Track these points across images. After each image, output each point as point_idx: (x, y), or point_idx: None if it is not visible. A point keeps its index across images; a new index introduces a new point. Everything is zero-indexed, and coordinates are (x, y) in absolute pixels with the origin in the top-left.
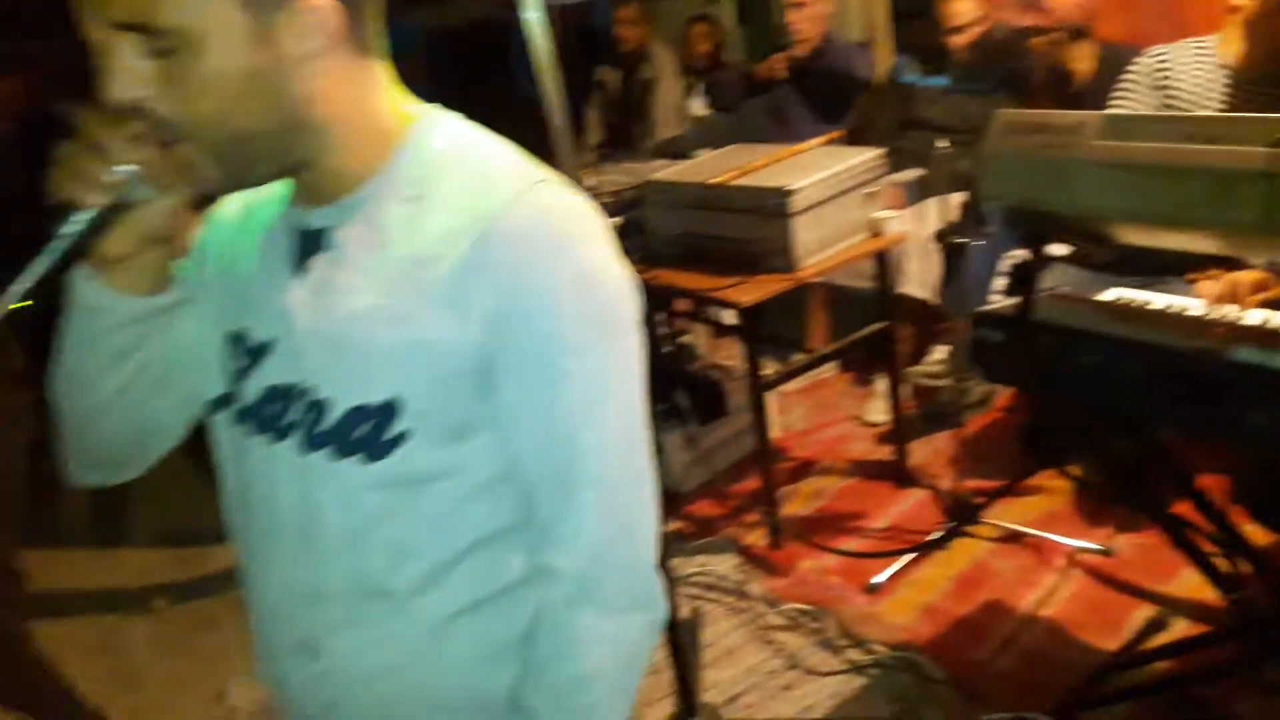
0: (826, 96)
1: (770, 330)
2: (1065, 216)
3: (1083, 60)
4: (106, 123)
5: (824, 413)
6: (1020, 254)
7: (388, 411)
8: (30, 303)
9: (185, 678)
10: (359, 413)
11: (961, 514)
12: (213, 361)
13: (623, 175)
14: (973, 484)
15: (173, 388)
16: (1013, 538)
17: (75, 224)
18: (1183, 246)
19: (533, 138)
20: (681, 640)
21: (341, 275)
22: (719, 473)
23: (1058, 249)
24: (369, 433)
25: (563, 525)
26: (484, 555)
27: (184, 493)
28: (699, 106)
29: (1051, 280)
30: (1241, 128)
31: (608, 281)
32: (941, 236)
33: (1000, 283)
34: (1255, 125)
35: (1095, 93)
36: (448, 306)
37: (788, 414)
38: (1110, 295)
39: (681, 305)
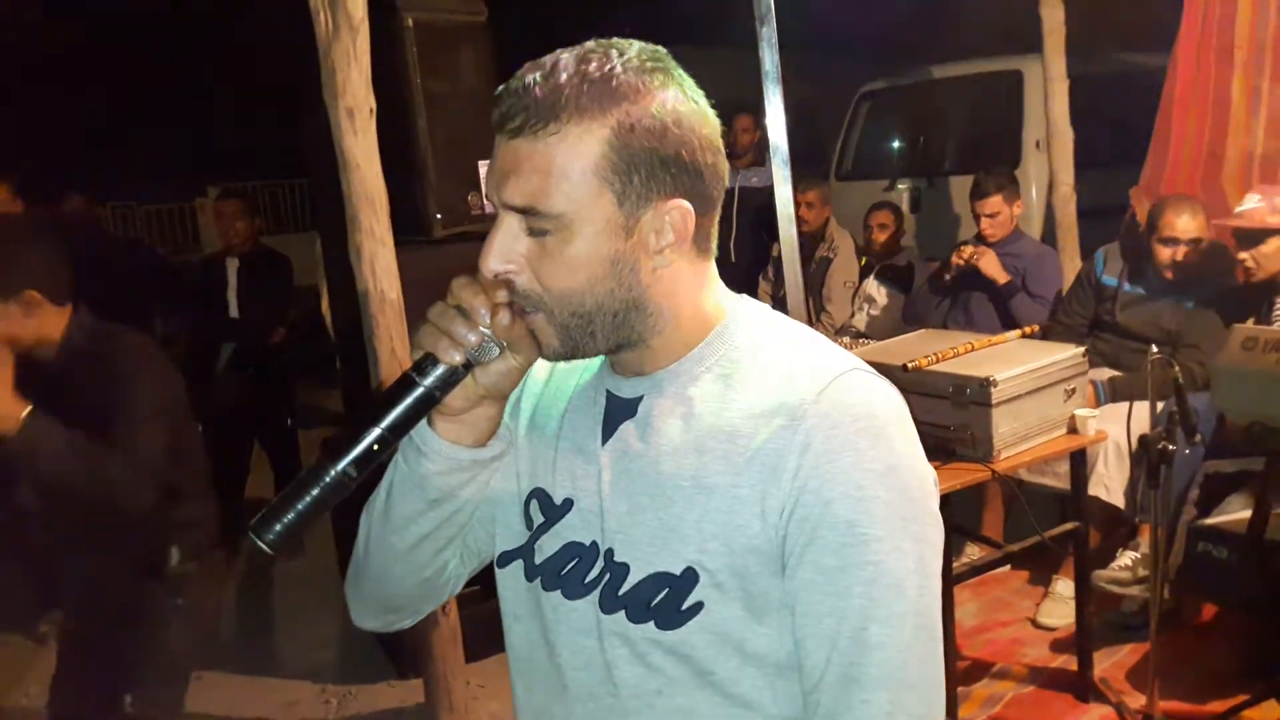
0: (1000, 299)
1: (947, 519)
2: None
3: None
4: (476, 289)
5: (996, 611)
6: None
7: (686, 580)
8: (380, 447)
9: None
10: (658, 579)
11: None
12: (507, 516)
13: None
14: (1167, 705)
15: (469, 538)
16: None
17: (433, 375)
18: None
19: None
20: None
21: (649, 443)
22: None
23: None
24: (666, 599)
25: None
26: None
27: None
28: (874, 288)
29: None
30: None
31: (914, 474)
32: (1145, 442)
33: (1195, 494)
34: None
35: None
36: (753, 483)
37: (958, 608)
38: None
39: None
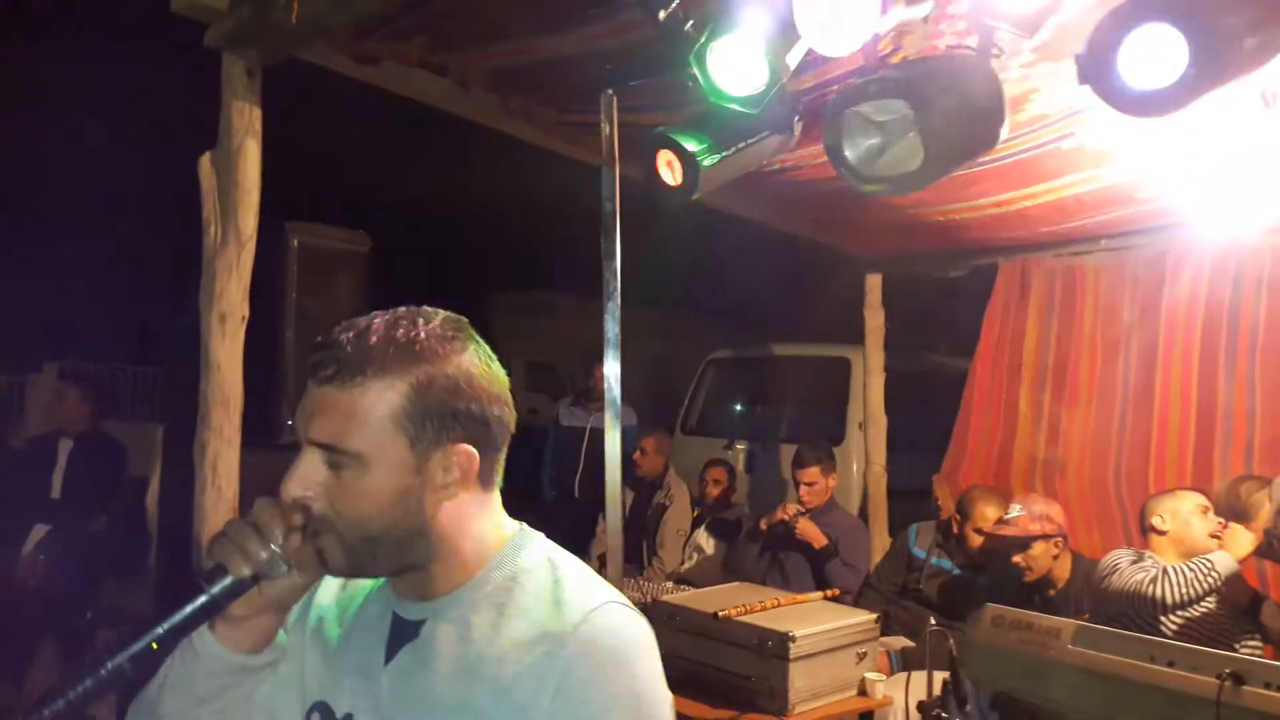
0: (816, 563)
1: None
2: (1043, 711)
3: (1062, 568)
4: (274, 511)
5: None
6: None
7: None
8: (159, 646)
9: None
10: None
11: None
12: None
13: (633, 590)
14: None
15: None
16: None
17: (220, 585)
18: None
19: (550, 535)
20: None
21: (427, 666)
22: None
23: None
24: None
25: None
26: None
27: None
28: (704, 538)
29: None
30: (1197, 658)
31: (652, 700)
32: (923, 709)
33: None
34: (1208, 657)
35: (1068, 598)
36: (517, 704)
37: None
38: None
39: None
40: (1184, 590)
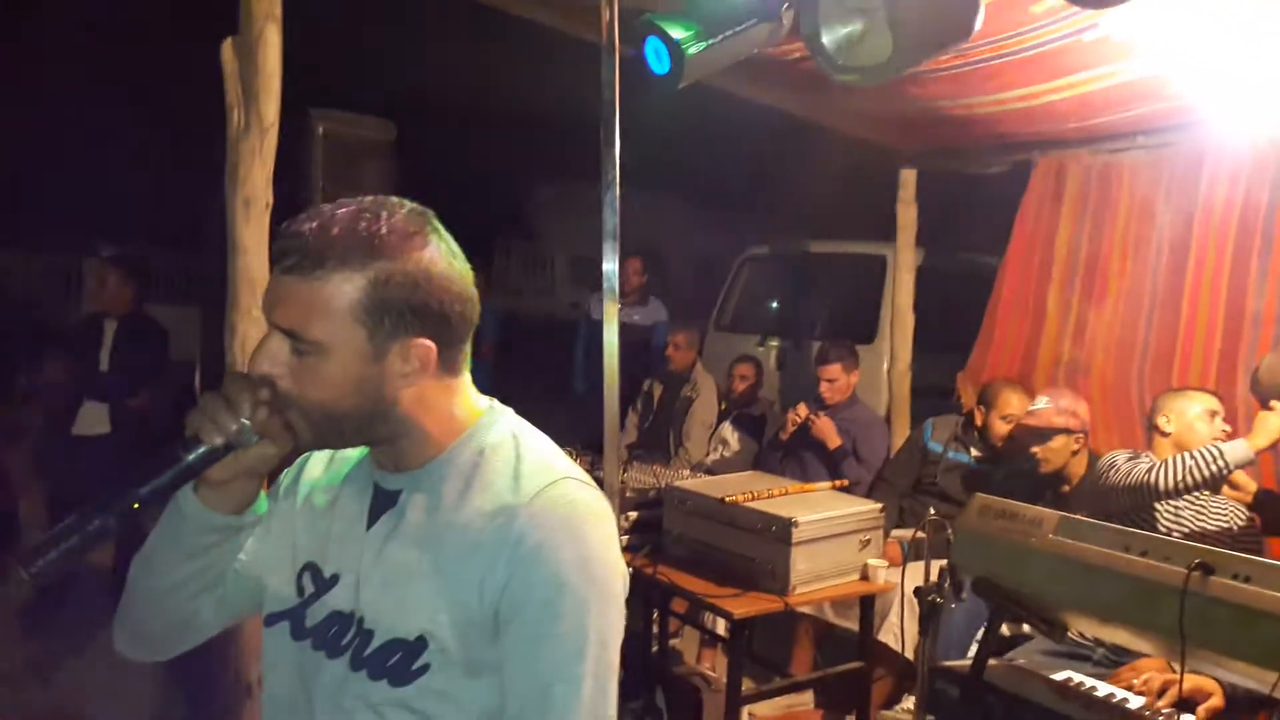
0: (831, 460)
1: (758, 650)
2: (1021, 595)
3: (1079, 466)
4: (243, 385)
5: None
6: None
7: (418, 645)
8: (138, 506)
9: None
10: (395, 644)
11: None
12: (279, 583)
13: (648, 476)
14: None
15: (224, 593)
16: None
17: (195, 452)
18: (1118, 641)
19: (577, 425)
20: None
21: (402, 531)
22: None
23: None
24: (399, 661)
25: None
26: None
27: None
28: (729, 432)
29: (1034, 649)
30: (1169, 548)
31: (603, 566)
32: (919, 593)
33: (974, 648)
34: (1180, 548)
35: (1080, 496)
36: (476, 568)
37: None
38: (1061, 675)
39: (678, 607)
40: (1180, 476)
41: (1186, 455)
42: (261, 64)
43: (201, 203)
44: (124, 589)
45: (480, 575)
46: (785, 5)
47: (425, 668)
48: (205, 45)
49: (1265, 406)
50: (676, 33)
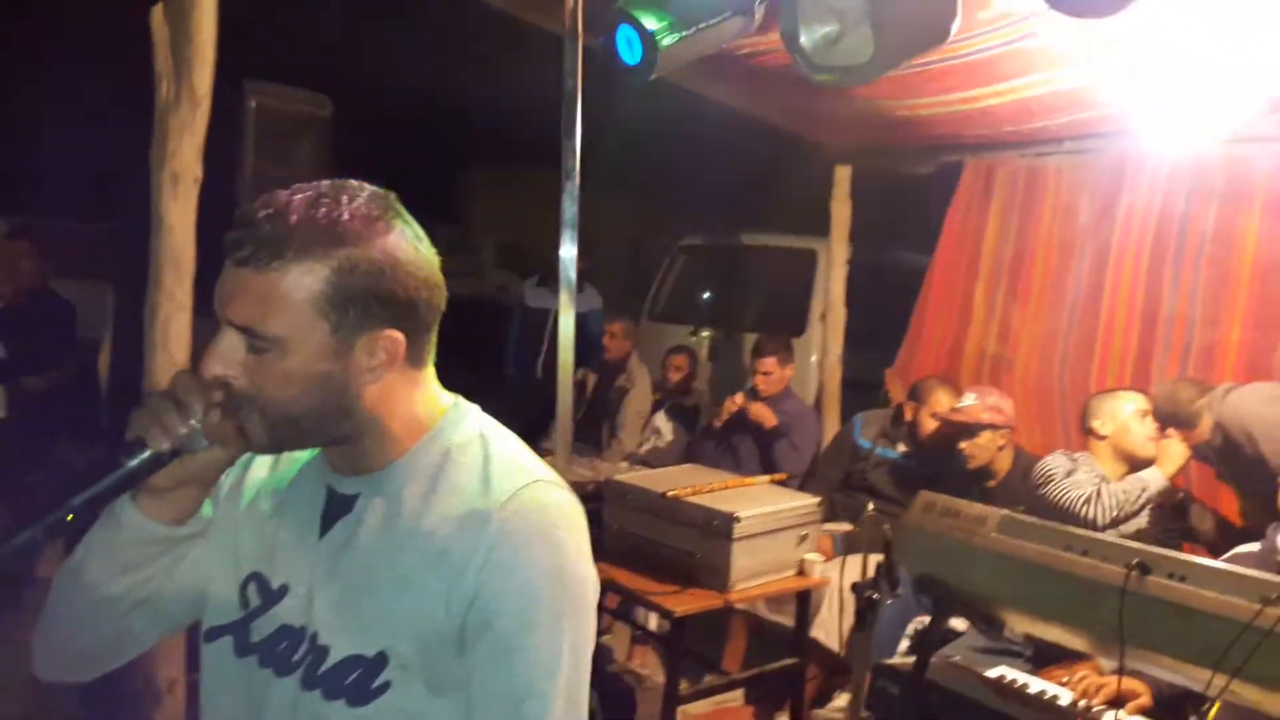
0: (765, 444)
1: (690, 646)
2: (963, 593)
3: (1004, 461)
4: (193, 386)
5: None
6: (926, 620)
7: (378, 663)
8: (74, 517)
9: None
10: (353, 661)
11: None
12: (221, 594)
13: (586, 469)
14: None
15: (159, 606)
16: None
17: (139, 458)
18: (1056, 639)
19: (511, 413)
20: None
21: (359, 539)
22: None
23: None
24: (358, 679)
25: None
26: None
27: None
28: (663, 421)
29: (965, 645)
30: (1109, 548)
31: (575, 577)
32: (856, 589)
33: (905, 644)
34: (1120, 549)
35: (1006, 490)
36: (442, 578)
37: None
38: (995, 672)
39: (610, 602)
40: (1115, 512)
41: (1117, 490)
42: (194, 32)
43: (118, 174)
44: (46, 607)
45: (446, 585)
46: (760, 0)
47: (386, 685)
48: (133, 8)
49: (1163, 433)
50: (650, 23)
